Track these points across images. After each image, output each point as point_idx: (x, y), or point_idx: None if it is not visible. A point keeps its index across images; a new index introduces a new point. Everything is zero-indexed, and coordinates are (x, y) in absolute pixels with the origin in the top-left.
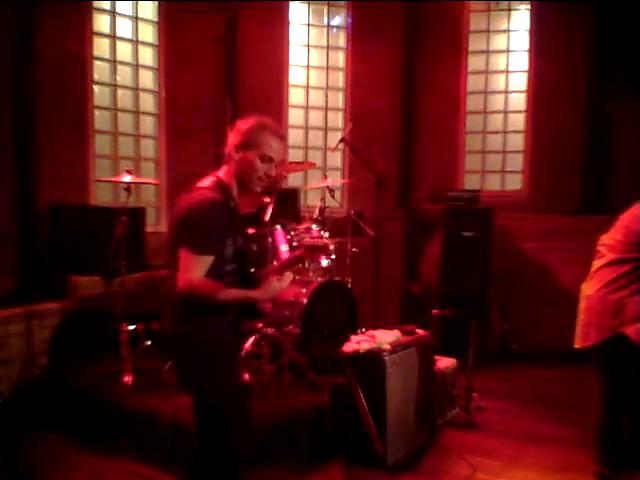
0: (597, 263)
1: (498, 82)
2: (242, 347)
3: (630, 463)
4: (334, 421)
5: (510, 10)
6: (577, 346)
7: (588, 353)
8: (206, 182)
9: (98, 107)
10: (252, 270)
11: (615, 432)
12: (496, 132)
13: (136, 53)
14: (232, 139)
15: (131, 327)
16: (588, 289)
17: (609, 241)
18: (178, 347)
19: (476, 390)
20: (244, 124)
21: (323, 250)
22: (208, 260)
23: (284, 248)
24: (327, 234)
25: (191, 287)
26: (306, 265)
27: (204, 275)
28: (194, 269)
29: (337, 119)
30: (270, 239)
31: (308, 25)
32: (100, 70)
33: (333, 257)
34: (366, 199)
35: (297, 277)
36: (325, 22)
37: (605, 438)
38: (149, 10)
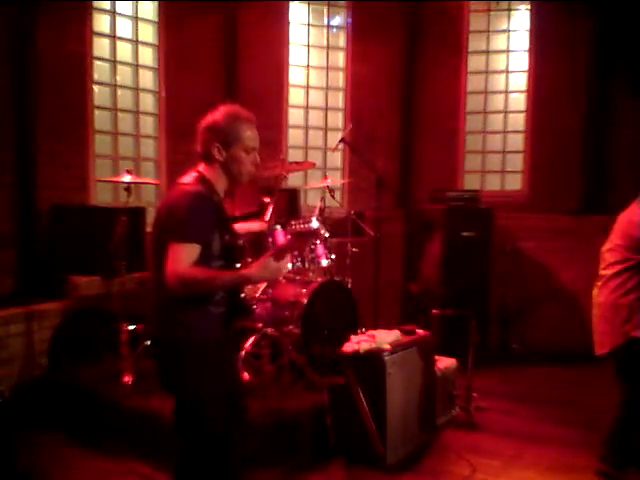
0: (605, 272)
1: (498, 82)
2: (237, 347)
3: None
4: (334, 421)
5: (510, 10)
6: (596, 354)
7: (589, 354)
8: (188, 178)
9: (98, 107)
10: (238, 266)
11: (628, 433)
12: (496, 132)
13: (136, 53)
14: (208, 137)
15: (131, 327)
16: (599, 296)
17: (610, 245)
18: (161, 349)
19: (476, 390)
20: (217, 120)
21: (313, 234)
22: (195, 248)
23: None
24: (316, 219)
25: (181, 277)
26: (306, 265)
27: (192, 264)
28: (181, 258)
29: (337, 119)
30: (270, 239)
31: (308, 25)
32: (100, 70)
33: (333, 257)
34: (366, 199)
35: (297, 277)
36: (325, 22)
37: (616, 438)
38: (149, 10)
